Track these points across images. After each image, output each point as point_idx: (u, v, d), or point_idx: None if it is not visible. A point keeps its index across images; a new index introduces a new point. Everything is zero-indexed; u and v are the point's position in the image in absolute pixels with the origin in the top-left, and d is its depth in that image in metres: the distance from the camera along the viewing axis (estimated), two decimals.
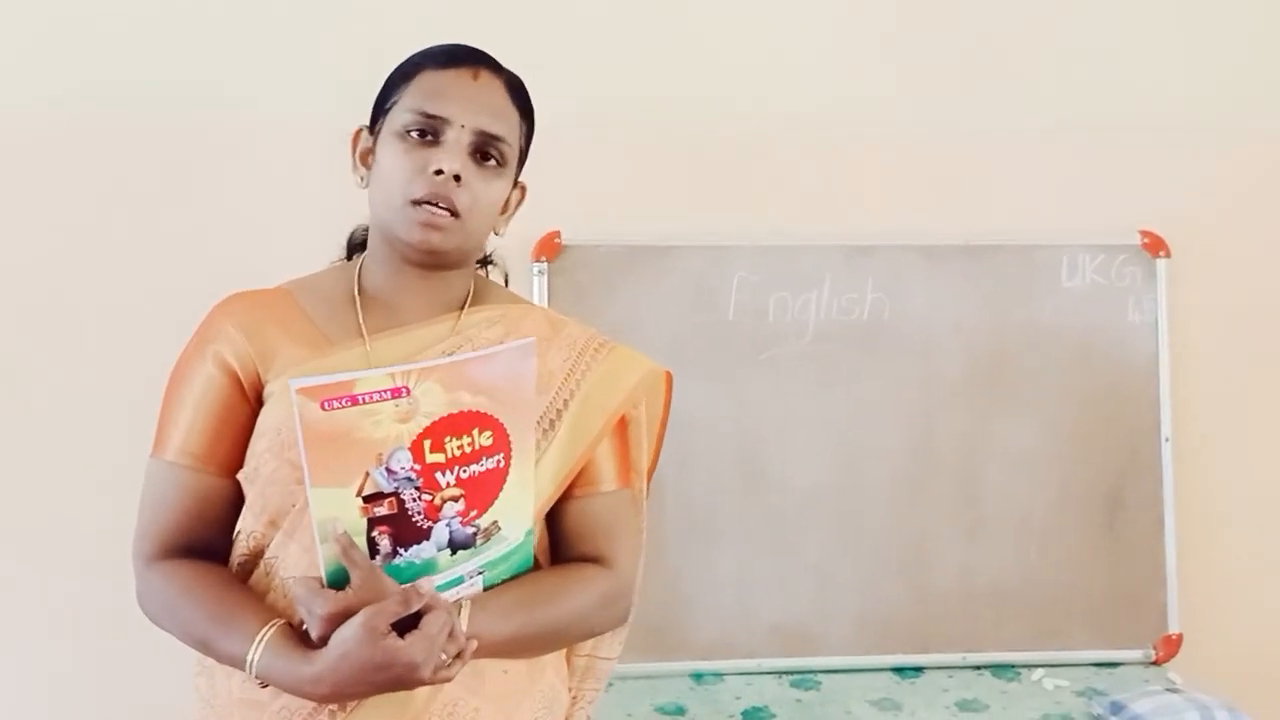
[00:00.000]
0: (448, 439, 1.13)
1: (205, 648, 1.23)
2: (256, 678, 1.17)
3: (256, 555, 1.25)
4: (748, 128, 2.25)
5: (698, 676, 2.18)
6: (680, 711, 2.05)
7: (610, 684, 2.09)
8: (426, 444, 1.12)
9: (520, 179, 1.37)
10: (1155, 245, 2.30)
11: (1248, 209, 2.37)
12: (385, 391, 1.09)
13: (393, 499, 1.12)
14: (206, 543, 1.27)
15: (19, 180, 2.14)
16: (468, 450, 1.14)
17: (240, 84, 2.16)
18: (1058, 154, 2.32)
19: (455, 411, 1.13)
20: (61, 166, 2.14)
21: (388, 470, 1.11)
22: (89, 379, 2.15)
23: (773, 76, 2.27)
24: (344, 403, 1.08)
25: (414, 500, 1.13)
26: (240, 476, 1.26)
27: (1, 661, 2.17)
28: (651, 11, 2.24)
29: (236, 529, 1.27)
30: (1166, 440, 2.27)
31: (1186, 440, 2.30)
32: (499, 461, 1.17)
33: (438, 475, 1.13)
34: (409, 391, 1.10)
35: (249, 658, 1.16)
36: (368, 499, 1.11)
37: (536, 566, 1.29)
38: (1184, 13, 2.36)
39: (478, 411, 1.14)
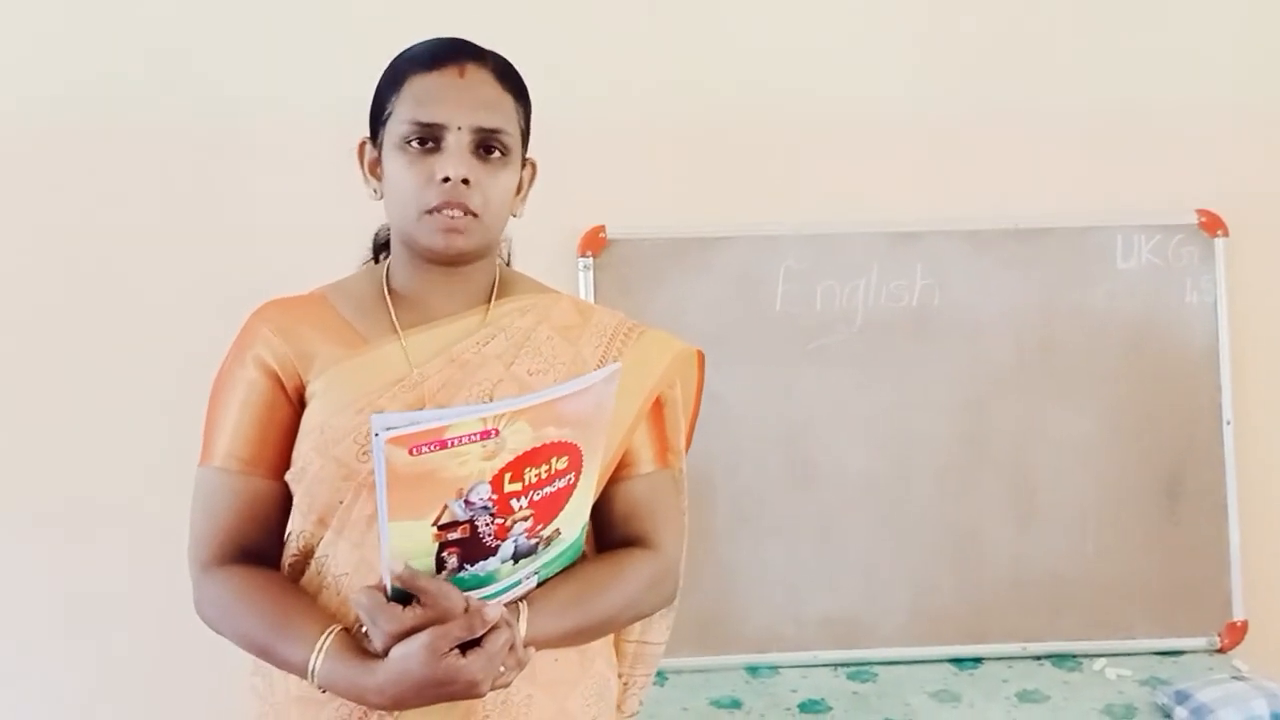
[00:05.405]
0: (527, 469, 1.12)
1: (264, 655, 1.23)
2: (318, 685, 1.18)
3: (307, 555, 1.27)
4: (790, 116, 2.23)
5: (753, 670, 2.16)
6: (736, 705, 2.04)
7: (665, 678, 2.09)
8: (507, 476, 1.11)
9: (529, 156, 1.37)
10: (1213, 224, 2.25)
11: None
12: (475, 435, 1.07)
13: (466, 525, 1.11)
14: (258, 546, 1.28)
15: (50, 181, 2.15)
16: (544, 477, 1.14)
17: (266, 82, 2.16)
18: (1109, 132, 2.28)
19: (540, 445, 1.12)
20: (94, 165, 2.15)
21: (466, 502, 1.10)
22: (132, 377, 2.17)
23: (813, 64, 2.24)
24: (433, 447, 1.06)
25: (486, 525, 1.13)
26: (288, 477, 1.27)
27: (58, 660, 2.21)
28: (691, 3, 2.22)
29: (287, 531, 1.29)
30: (1228, 424, 2.22)
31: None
32: (570, 480, 1.17)
33: (512, 502, 1.13)
34: (498, 433, 1.08)
35: (310, 665, 1.17)
36: (442, 527, 1.11)
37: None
38: None
39: (561, 442, 1.13)
